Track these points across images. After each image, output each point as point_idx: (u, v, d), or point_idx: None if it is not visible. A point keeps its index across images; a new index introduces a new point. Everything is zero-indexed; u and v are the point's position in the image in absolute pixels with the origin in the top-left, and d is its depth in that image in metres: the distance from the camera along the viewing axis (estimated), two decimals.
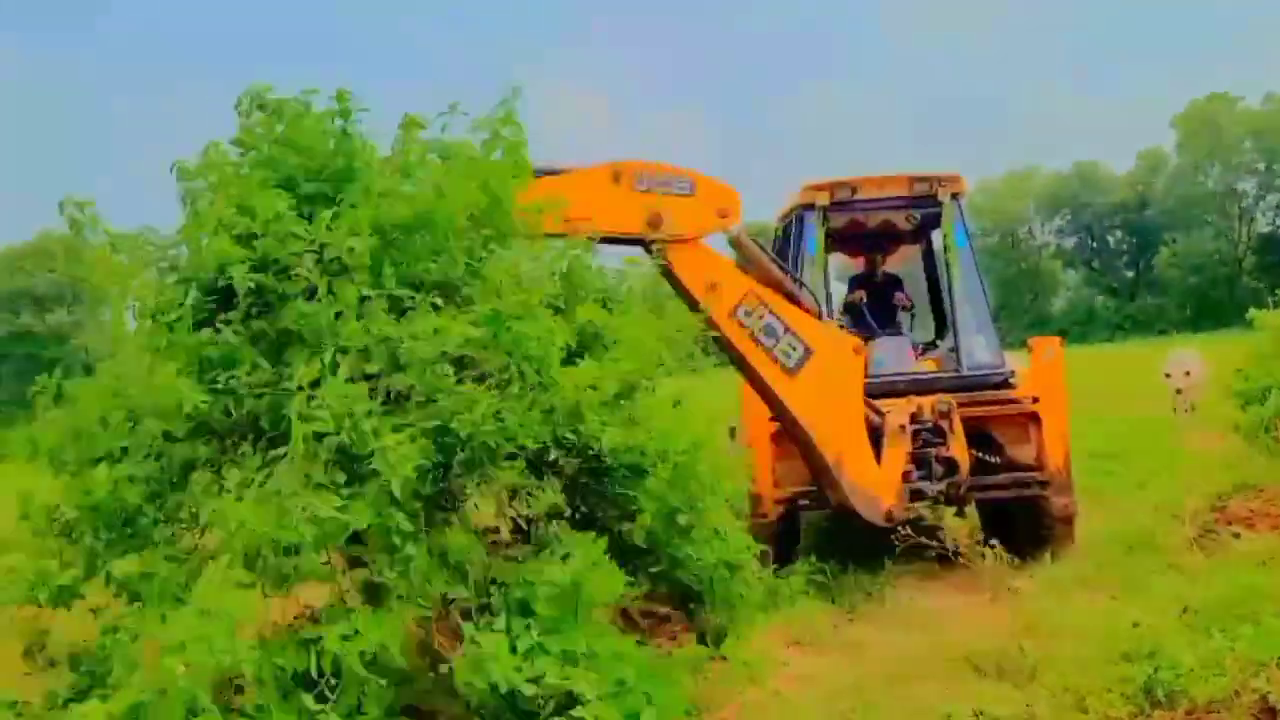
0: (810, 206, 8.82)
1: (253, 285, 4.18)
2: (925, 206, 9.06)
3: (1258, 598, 4.86)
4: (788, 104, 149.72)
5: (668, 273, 6.93)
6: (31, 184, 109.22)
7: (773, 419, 7.83)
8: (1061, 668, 4.67)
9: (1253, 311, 12.04)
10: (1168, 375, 15.72)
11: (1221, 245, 66.31)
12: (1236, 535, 6.79)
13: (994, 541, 4.88)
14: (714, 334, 7.09)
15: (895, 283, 10.18)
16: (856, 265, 10.79)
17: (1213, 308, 59.16)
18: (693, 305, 6.99)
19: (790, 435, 7.52)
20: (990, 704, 4.30)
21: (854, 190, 8.88)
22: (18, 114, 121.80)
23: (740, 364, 7.16)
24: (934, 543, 5.36)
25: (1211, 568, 5.96)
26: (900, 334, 9.51)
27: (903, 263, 10.96)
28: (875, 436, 7.39)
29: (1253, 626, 4.51)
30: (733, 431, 9.90)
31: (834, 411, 7.22)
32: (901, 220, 9.66)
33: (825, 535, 9.59)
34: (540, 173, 6.46)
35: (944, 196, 8.83)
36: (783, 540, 8.35)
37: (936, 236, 9.63)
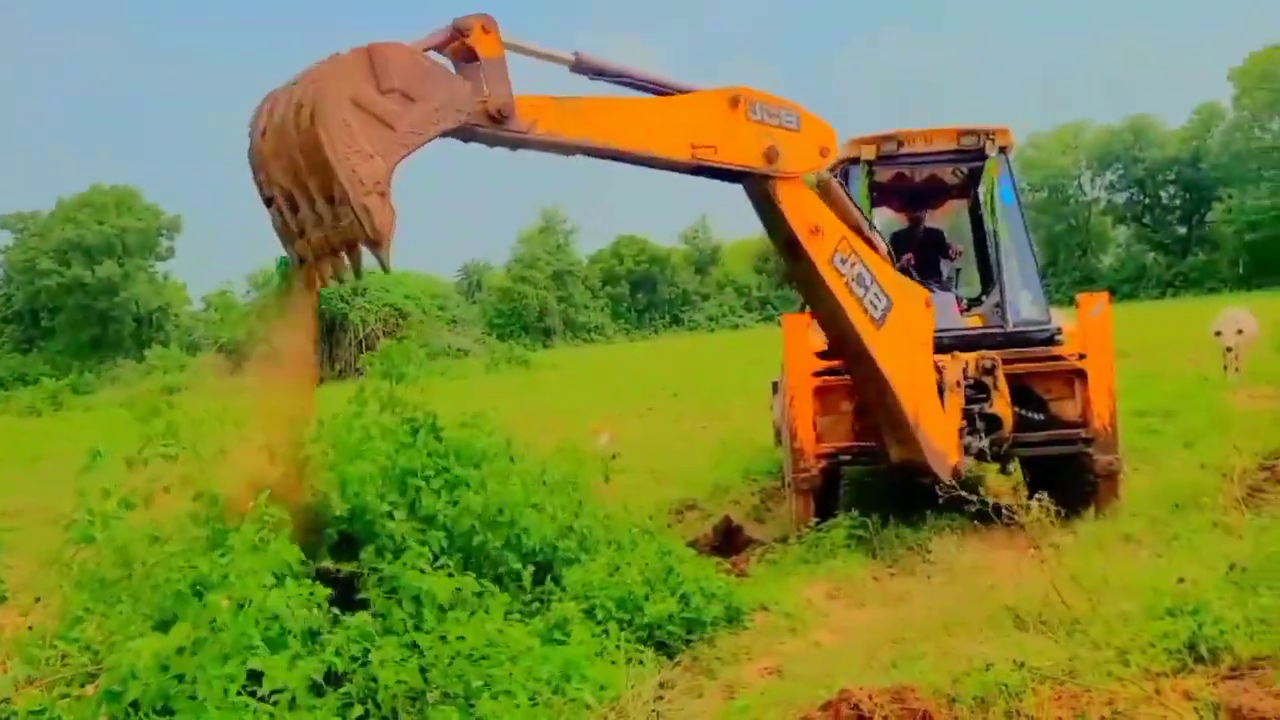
0: (855, 160, 8.74)
1: None
2: (972, 160, 8.95)
3: None
4: (840, 56, 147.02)
5: (770, 211, 6.52)
6: (83, 136, 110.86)
7: (828, 372, 7.83)
8: (1104, 622, 4.68)
9: None
10: (1218, 333, 15.42)
11: (1278, 201, 64.49)
12: None
13: (1041, 495, 4.89)
14: (802, 278, 6.84)
15: (938, 237, 10.08)
16: (899, 221, 10.69)
17: (1267, 265, 57.81)
18: (789, 248, 6.72)
19: (869, 389, 7.34)
20: (1032, 656, 4.32)
21: (900, 144, 8.78)
22: (71, 66, 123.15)
23: (830, 312, 6.91)
24: (974, 497, 5.35)
25: (1260, 526, 5.92)
26: (946, 290, 9.44)
27: (946, 218, 10.84)
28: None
29: None
30: (775, 386, 9.93)
31: (913, 365, 7.15)
32: (948, 174, 9.56)
33: (866, 490, 9.62)
34: (660, 89, 5.90)
35: (991, 150, 8.72)
36: (824, 495, 8.41)
37: (984, 191, 9.51)
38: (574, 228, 77.41)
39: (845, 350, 7.15)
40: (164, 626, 4.35)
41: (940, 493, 5.50)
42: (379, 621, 4.59)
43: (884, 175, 9.00)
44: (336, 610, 4.64)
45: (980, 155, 8.80)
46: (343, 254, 4.49)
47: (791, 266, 6.89)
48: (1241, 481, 7.40)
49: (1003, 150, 8.80)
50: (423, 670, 4.45)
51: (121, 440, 5.44)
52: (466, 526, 5.43)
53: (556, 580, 5.74)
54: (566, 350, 60.43)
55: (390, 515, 5.17)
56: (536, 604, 5.53)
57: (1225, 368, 15.25)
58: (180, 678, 3.97)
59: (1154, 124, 71.26)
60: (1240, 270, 62.15)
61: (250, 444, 5.41)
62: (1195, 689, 3.86)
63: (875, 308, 6.83)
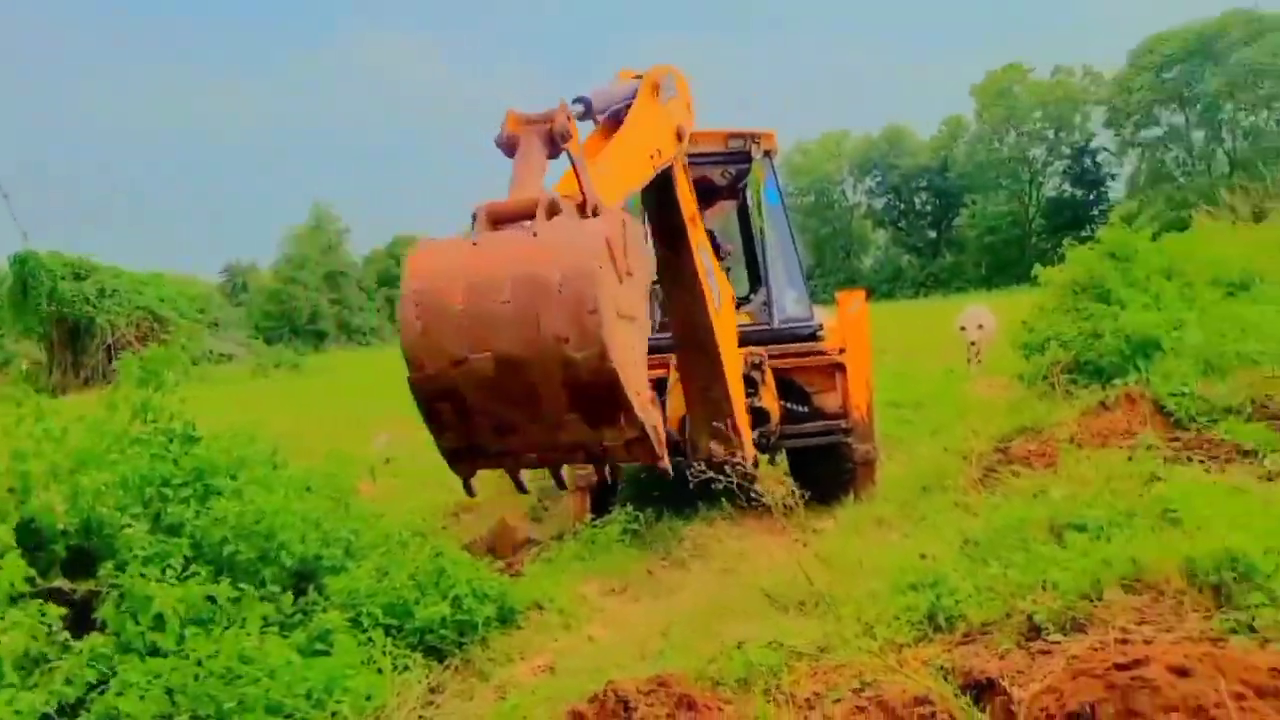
0: None
1: None
2: (739, 162, 9.24)
3: (1029, 527, 5.26)
4: (624, 55, 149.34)
5: (667, 197, 6.00)
6: None
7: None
8: (855, 600, 4.96)
9: (1038, 269, 12.96)
10: (962, 328, 16.69)
11: (1014, 208, 70.72)
12: (1016, 473, 7.30)
13: (785, 479, 5.10)
14: (675, 270, 6.48)
15: (709, 237, 10.36)
16: None
17: (1005, 266, 63.10)
18: (672, 237, 6.36)
19: (700, 384, 7.16)
20: (790, 636, 4.52)
21: None
22: None
23: (689, 306, 6.63)
24: (722, 477, 5.49)
25: (992, 503, 6.42)
26: None
27: (716, 218, 11.17)
28: None
29: (1023, 554, 4.89)
30: None
31: (734, 358, 7.24)
32: (717, 176, 9.82)
33: (642, 486, 9.78)
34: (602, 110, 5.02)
35: (757, 153, 9.03)
36: (601, 492, 8.49)
37: (750, 192, 9.86)
38: (347, 226, 75.10)
39: (696, 344, 6.91)
40: None
41: (691, 478, 5.55)
42: (115, 641, 4.25)
43: None
44: (69, 634, 4.28)
45: (746, 158, 9.10)
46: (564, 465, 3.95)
47: (668, 259, 6.50)
48: (979, 463, 8.00)
49: (768, 154, 9.13)
50: (169, 693, 4.17)
51: None
52: (217, 537, 5.13)
53: (320, 590, 5.51)
54: (341, 354, 58.38)
55: (129, 526, 4.81)
56: (299, 616, 5.28)
57: (968, 360, 16.52)
58: None
59: (907, 133, 76.53)
60: (983, 271, 67.63)
61: None
62: (933, 656, 4.13)
63: (716, 299, 6.77)
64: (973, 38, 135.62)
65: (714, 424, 7.15)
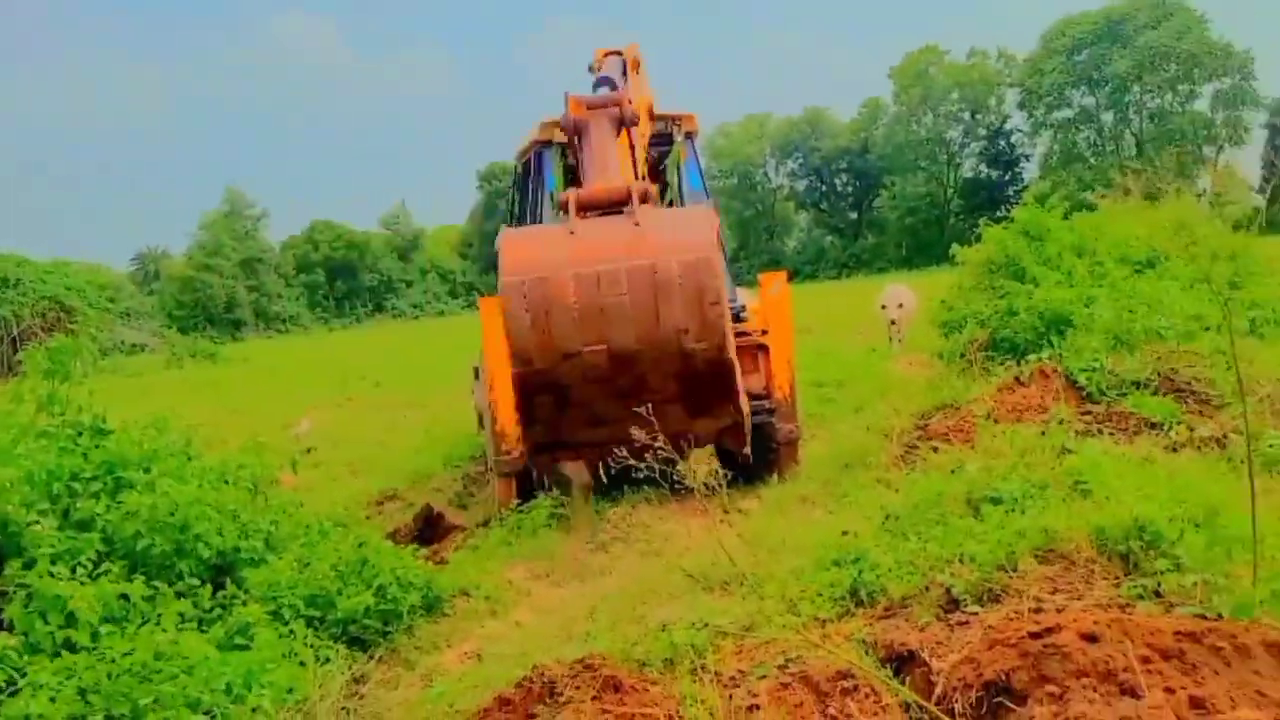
0: (548, 143, 8.77)
1: None
2: (661, 144, 9.23)
3: (947, 502, 5.37)
4: (533, 40, 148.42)
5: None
6: None
7: None
8: (779, 578, 5.02)
9: (956, 248, 13.21)
10: (883, 307, 16.96)
11: (932, 189, 71.92)
12: (935, 449, 7.45)
13: (709, 459, 5.13)
14: None
15: None
16: None
17: (925, 246, 64.16)
18: None
19: None
20: (712, 615, 4.57)
21: None
22: None
23: None
24: (642, 463, 5.51)
25: (912, 479, 6.53)
26: None
27: None
28: None
29: (941, 528, 5.00)
30: (476, 372, 9.85)
31: None
32: None
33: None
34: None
35: (678, 135, 9.03)
36: (527, 477, 8.43)
37: (670, 174, 9.87)
38: (263, 212, 73.46)
39: None
40: None
41: (612, 463, 5.57)
42: (24, 642, 4.11)
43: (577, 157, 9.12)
44: None
45: (668, 139, 9.09)
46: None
47: None
48: (899, 440, 8.15)
49: (689, 135, 9.13)
50: (82, 693, 4.05)
51: None
52: (130, 531, 4.99)
53: (239, 583, 5.40)
54: (259, 342, 57.30)
55: (36, 523, 4.65)
56: (217, 610, 5.17)
57: (890, 339, 16.80)
58: None
59: (828, 116, 77.21)
60: (903, 251, 68.70)
61: None
62: (855, 630, 4.22)
63: None
64: (891, 20, 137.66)
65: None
